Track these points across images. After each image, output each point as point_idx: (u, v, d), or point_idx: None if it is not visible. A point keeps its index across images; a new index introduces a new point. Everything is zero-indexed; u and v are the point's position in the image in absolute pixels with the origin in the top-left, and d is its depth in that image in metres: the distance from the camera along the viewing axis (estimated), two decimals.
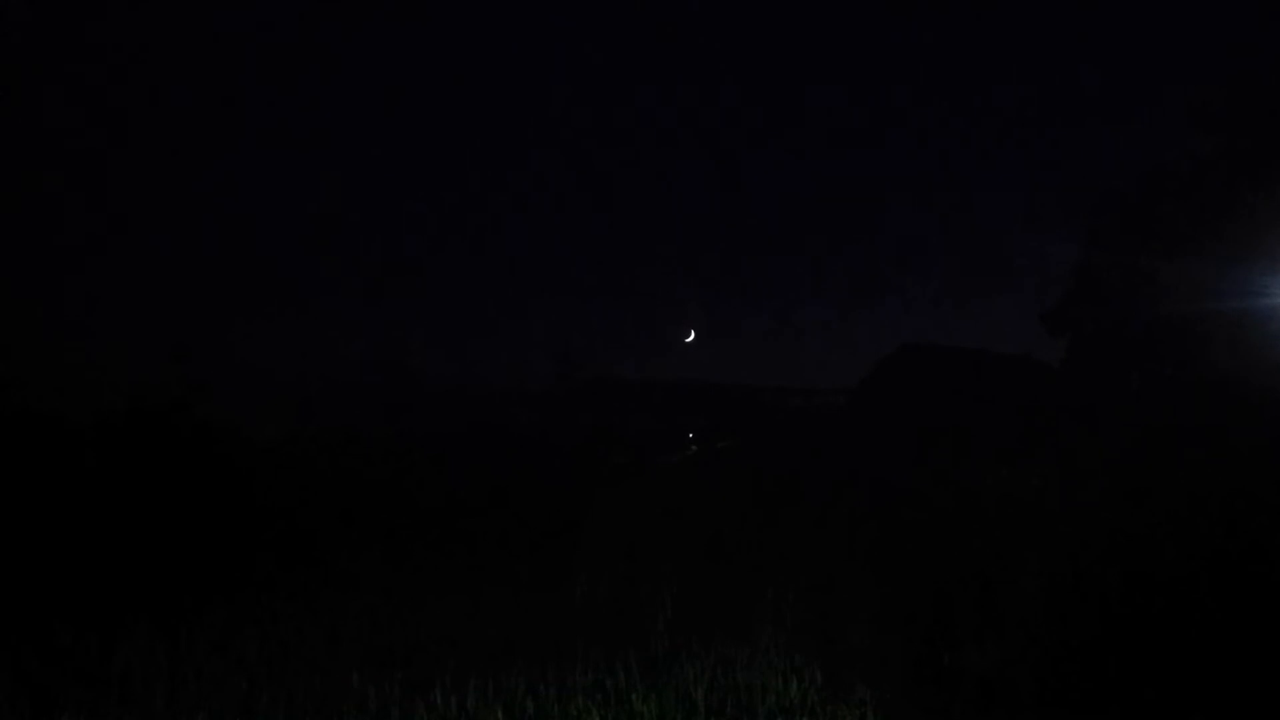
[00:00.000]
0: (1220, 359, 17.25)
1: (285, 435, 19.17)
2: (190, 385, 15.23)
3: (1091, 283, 21.20)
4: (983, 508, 11.64)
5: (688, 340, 34.06)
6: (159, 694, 6.31)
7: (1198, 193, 19.04)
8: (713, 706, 5.93)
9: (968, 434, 18.68)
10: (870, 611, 7.57)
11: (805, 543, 10.46)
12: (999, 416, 19.67)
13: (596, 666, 6.52)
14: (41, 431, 13.16)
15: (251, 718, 5.97)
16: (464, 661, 6.62)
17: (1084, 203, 24.18)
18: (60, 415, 14.14)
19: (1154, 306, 18.65)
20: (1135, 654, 6.33)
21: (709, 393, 35.76)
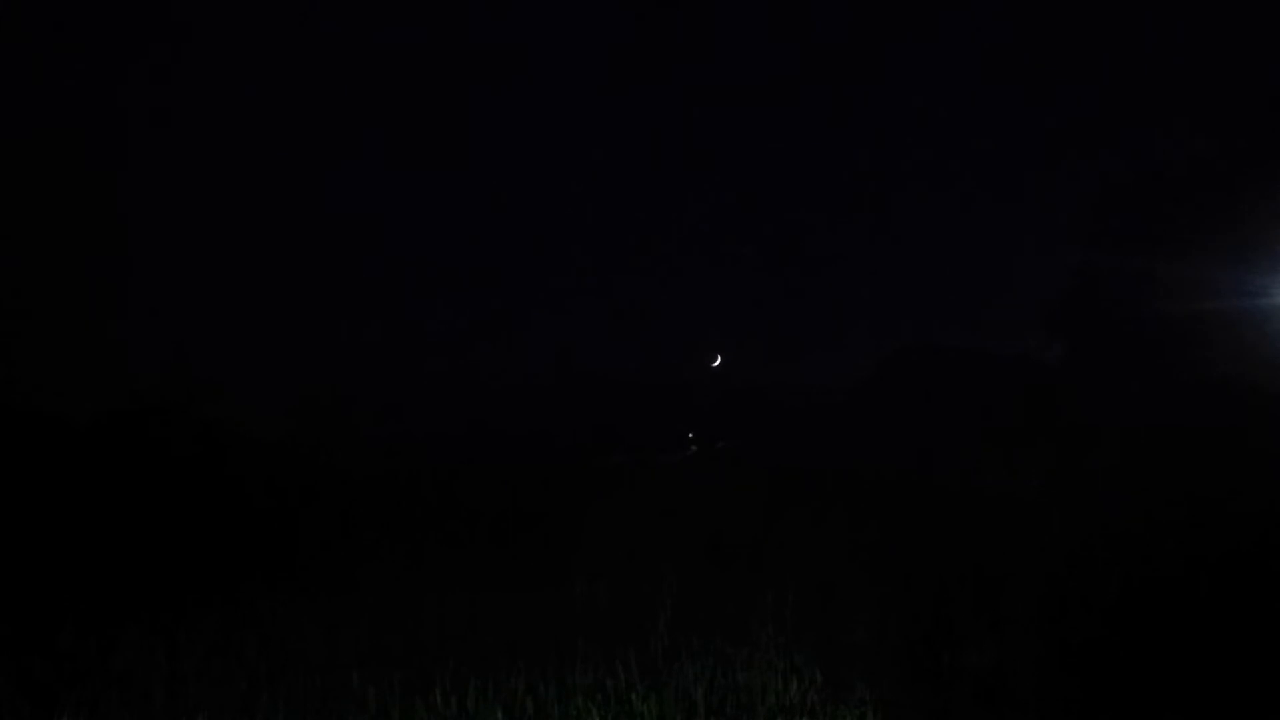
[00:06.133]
0: (1220, 359, 17.25)
1: (284, 434, 19.19)
2: (195, 385, 15.26)
3: (1091, 283, 21.20)
4: (982, 508, 11.64)
5: (714, 365, 34.24)
6: (159, 694, 6.31)
7: (1198, 193, 19.04)
8: (713, 706, 5.93)
9: (967, 434, 18.68)
10: (870, 611, 7.57)
11: (805, 542, 10.46)
12: (998, 417, 19.68)
13: (596, 666, 6.51)
14: (43, 431, 13.16)
15: (251, 718, 5.97)
16: (464, 661, 6.62)
17: (1084, 202, 24.19)
18: (61, 415, 14.15)
19: (1154, 306, 18.65)
20: (1135, 654, 6.33)
21: (709, 392, 35.73)
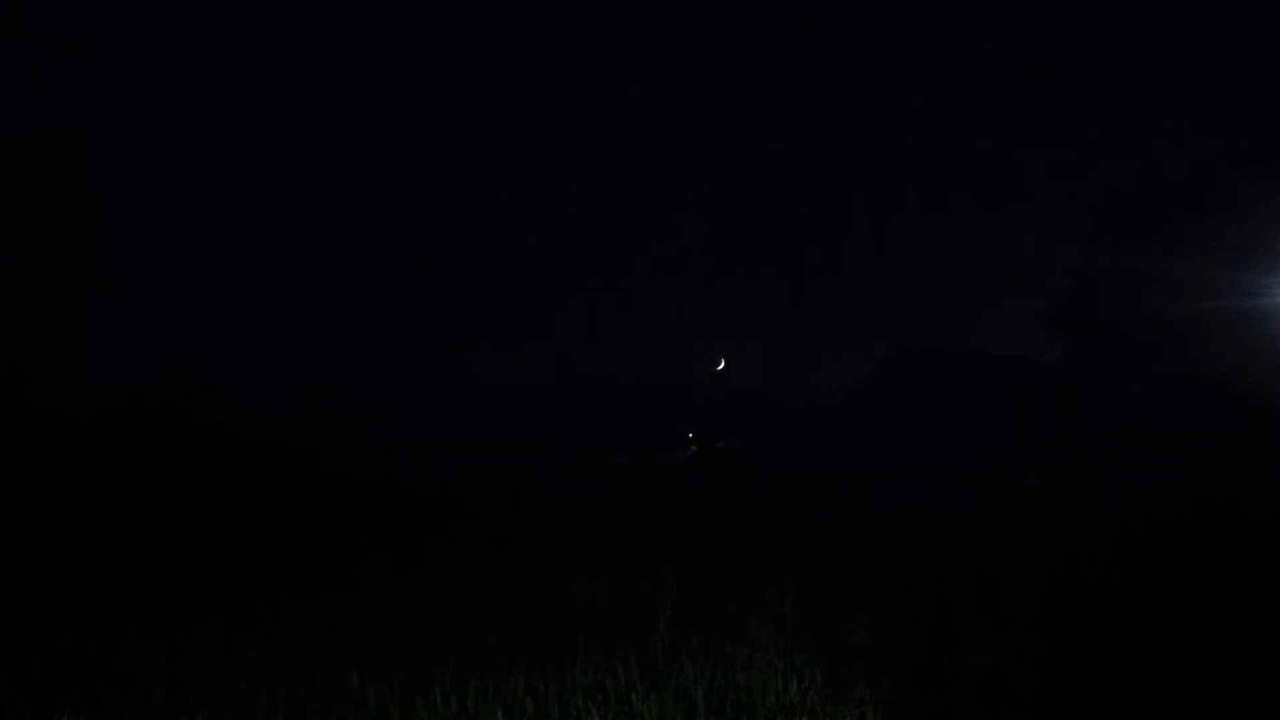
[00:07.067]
0: (1220, 359, 17.25)
1: (284, 434, 19.19)
2: (195, 385, 15.25)
3: (1091, 283, 21.21)
4: (982, 508, 11.64)
5: (718, 368, 34.58)
6: (159, 694, 6.31)
7: (1198, 193, 19.05)
8: (713, 706, 5.93)
9: (966, 435, 18.68)
10: (870, 611, 7.57)
11: (805, 542, 10.46)
12: (998, 417, 19.68)
13: (596, 666, 6.51)
14: (43, 431, 13.16)
15: (251, 718, 5.97)
16: (464, 661, 6.62)
17: (1084, 203, 24.23)
18: (61, 415, 14.15)
19: (1154, 306, 18.65)
20: (1135, 654, 6.33)
21: (709, 392, 35.78)
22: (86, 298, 21.56)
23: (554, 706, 5.93)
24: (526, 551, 10.96)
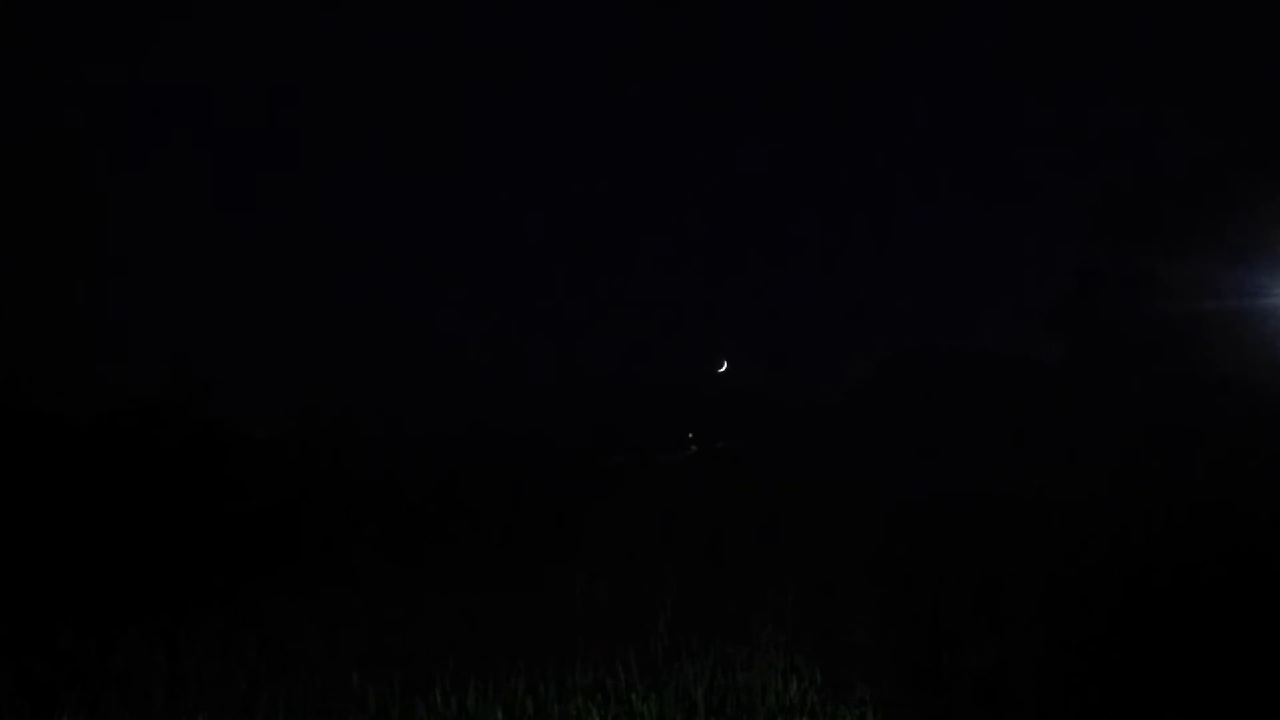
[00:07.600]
0: (1220, 359, 17.26)
1: (284, 434, 19.18)
2: (195, 385, 15.26)
3: (1091, 283, 21.22)
4: (982, 508, 11.64)
5: (720, 370, 34.56)
6: (159, 694, 6.31)
7: (1198, 193, 19.05)
8: (713, 706, 5.93)
9: (967, 435, 18.68)
10: (870, 611, 7.57)
11: (805, 543, 10.46)
12: (998, 417, 19.68)
13: (596, 666, 6.51)
14: (43, 431, 13.16)
15: (251, 718, 5.97)
16: (464, 661, 6.62)
17: (1084, 203, 24.26)
18: (61, 415, 14.15)
19: (1154, 306, 18.66)
20: (1135, 654, 6.33)
21: (709, 392, 35.76)
22: (86, 298, 21.56)
23: (554, 706, 5.93)
24: (526, 551, 10.96)
